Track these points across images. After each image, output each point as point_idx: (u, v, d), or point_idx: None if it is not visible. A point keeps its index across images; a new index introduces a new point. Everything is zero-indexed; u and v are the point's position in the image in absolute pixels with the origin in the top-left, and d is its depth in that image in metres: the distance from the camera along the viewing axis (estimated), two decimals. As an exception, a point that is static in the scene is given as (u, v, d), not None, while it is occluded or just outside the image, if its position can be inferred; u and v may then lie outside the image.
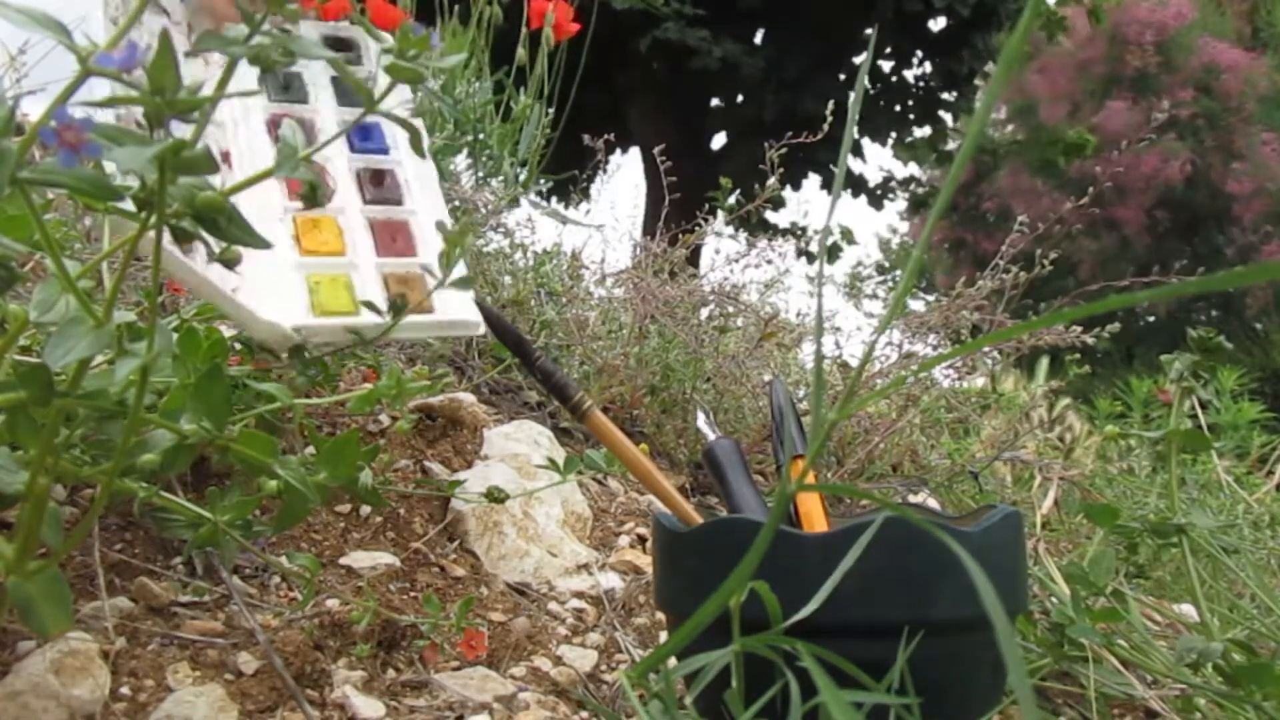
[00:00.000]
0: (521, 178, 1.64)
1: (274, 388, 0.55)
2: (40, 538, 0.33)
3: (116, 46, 0.29)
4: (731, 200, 1.18)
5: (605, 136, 1.28)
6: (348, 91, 0.62)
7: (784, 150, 1.09)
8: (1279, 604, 0.63)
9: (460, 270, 0.52)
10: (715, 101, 6.91)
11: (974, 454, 1.14)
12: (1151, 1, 9.67)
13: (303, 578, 0.47)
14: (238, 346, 0.61)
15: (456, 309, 0.52)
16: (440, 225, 0.53)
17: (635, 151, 6.49)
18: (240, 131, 0.56)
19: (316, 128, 0.59)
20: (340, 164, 0.59)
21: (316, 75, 0.62)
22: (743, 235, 1.22)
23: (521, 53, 1.67)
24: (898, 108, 6.91)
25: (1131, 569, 0.67)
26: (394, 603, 0.54)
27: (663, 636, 0.56)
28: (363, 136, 0.60)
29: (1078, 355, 1.07)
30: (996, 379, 1.39)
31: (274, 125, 0.58)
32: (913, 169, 9.24)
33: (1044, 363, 2.25)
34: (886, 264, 12.68)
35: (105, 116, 0.49)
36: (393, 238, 0.56)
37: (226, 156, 0.54)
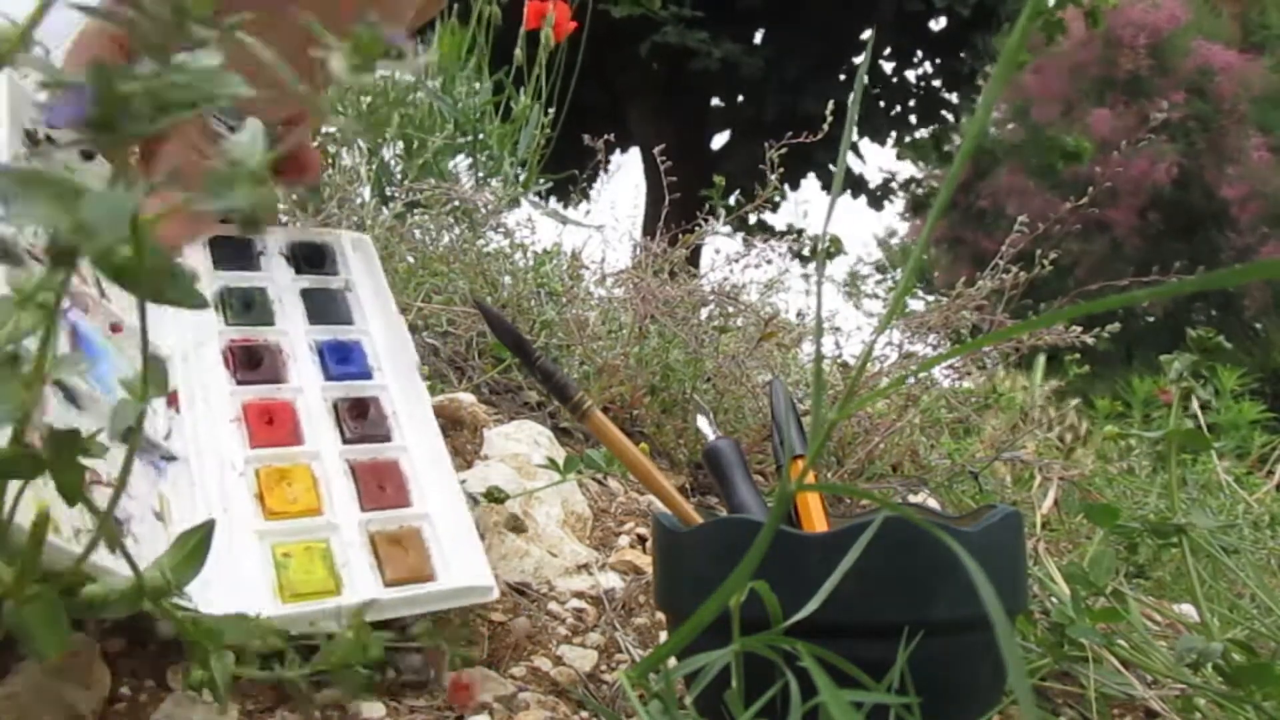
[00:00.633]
0: (521, 178, 1.65)
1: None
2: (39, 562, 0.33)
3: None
4: (731, 200, 1.19)
5: (605, 136, 1.28)
6: (323, 307, 0.53)
7: (783, 150, 1.09)
8: (1279, 604, 0.63)
9: (466, 521, 0.44)
10: (715, 101, 6.91)
11: (974, 454, 1.14)
12: (1145, 4, 9.68)
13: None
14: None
15: (464, 572, 0.44)
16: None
17: (635, 151, 6.49)
18: (192, 367, 0.47)
19: (284, 353, 0.50)
20: (313, 397, 0.48)
21: (283, 290, 0.53)
22: (740, 236, 1.22)
23: (519, 54, 1.67)
24: (898, 108, 6.92)
25: (1131, 569, 0.67)
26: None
27: (663, 636, 0.56)
28: (340, 358, 0.51)
29: (1078, 355, 1.07)
30: (996, 380, 1.39)
31: (232, 354, 0.48)
32: (913, 171, 9.26)
33: (1040, 360, 2.25)
34: (886, 264, 12.70)
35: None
36: (380, 485, 0.46)
37: (173, 399, 0.45)
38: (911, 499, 0.94)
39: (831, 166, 6.46)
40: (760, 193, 1.10)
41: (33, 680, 0.34)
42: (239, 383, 0.47)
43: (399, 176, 1.48)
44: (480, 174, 1.60)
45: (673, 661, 0.38)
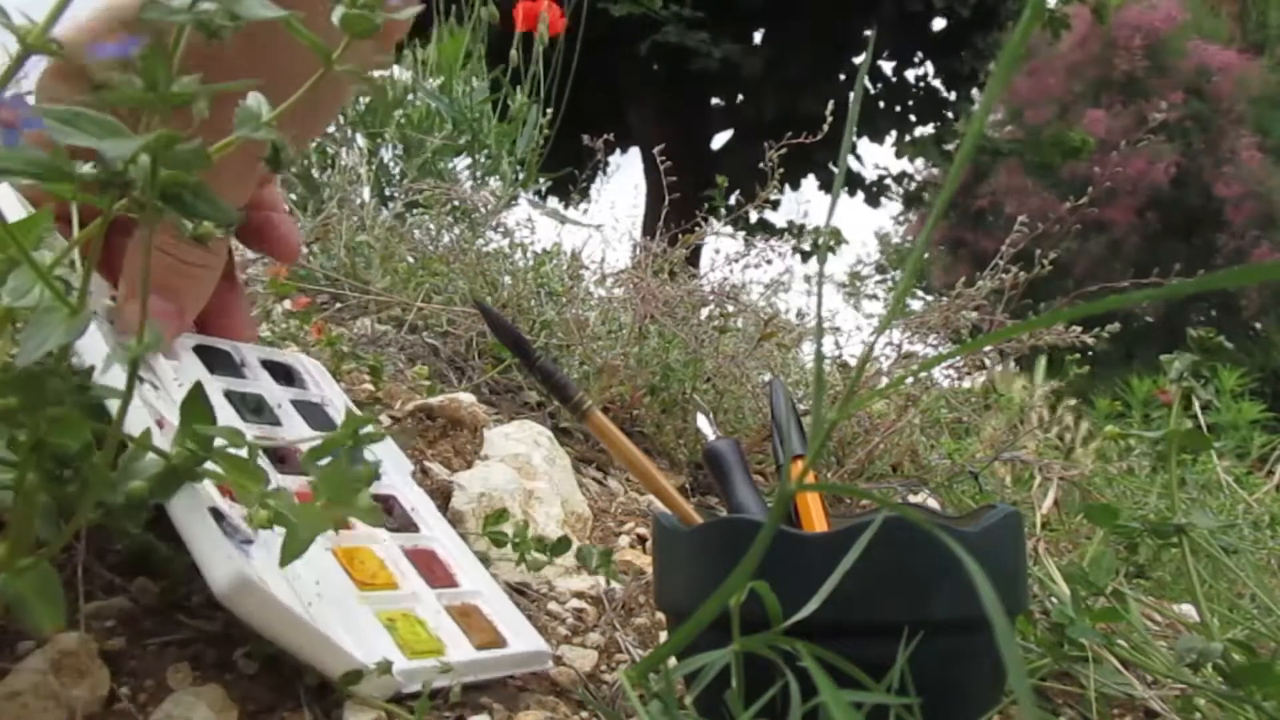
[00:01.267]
0: (520, 177, 1.64)
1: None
2: (32, 533, 0.33)
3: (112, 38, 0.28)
4: (731, 200, 1.19)
5: (605, 136, 1.28)
6: (313, 417, 0.54)
7: (783, 150, 1.09)
8: (1279, 604, 0.63)
9: (506, 598, 0.49)
10: (715, 101, 6.92)
11: (974, 454, 1.14)
12: (1141, 4, 9.69)
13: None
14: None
15: (528, 640, 0.47)
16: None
17: (635, 151, 6.49)
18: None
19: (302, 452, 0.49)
20: None
21: (278, 399, 0.54)
22: (740, 235, 1.22)
23: (514, 54, 1.67)
24: (898, 108, 6.92)
25: (1131, 569, 0.67)
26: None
27: (663, 636, 0.56)
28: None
29: (1077, 355, 1.07)
30: (996, 380, 1.39)
31: (264, 450, 0.48)
32: (907, 166, 9.23)
33: (1042, 361, 2.25)
34: (886, 263, 12.70)
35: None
36: (429, 567, 0.49)
37: (225, 490, 0.44)
38: (911, 499, 0.94)
39: (832, 166, 6.47)
40: (761, 193, 1.10)
41: (33, 680, 0.34)
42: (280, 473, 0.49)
43: (398, 176, 1.48)
44: (479, 173, 1.60)
45: (673, 661, 0.38)
